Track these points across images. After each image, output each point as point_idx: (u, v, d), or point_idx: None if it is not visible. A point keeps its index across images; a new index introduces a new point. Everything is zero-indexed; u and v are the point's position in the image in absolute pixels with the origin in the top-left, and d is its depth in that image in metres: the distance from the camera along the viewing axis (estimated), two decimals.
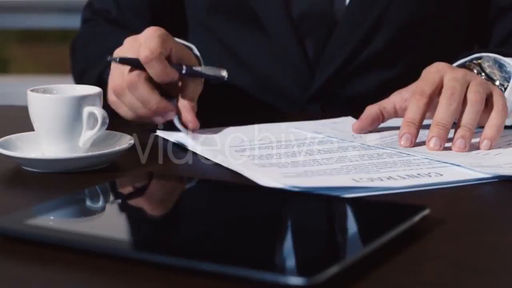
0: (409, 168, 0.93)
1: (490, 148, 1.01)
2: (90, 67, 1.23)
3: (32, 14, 2.73)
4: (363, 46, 1.25)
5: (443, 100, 1.02)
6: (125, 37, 1.11)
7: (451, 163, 0.95)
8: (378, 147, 1.02)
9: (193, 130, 1.08)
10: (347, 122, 1.15)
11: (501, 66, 1.12)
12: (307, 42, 1.26)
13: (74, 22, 1.66)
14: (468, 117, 1.02)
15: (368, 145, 1.03)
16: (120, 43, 1.11)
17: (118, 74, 1.08)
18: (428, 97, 1.03)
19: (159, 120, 1.08)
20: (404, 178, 0.89)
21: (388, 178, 0.89)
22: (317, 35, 1.26)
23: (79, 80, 1.30)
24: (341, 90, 1.26)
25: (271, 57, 1.28)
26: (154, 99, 1.06)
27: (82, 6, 1.41)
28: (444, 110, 1.01)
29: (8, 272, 0.68)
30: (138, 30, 1.11)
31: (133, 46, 1.08)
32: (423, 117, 1.03)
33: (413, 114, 1.03)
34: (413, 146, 1.02)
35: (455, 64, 1.13)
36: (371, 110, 1.10)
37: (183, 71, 1.08)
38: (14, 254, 0.70)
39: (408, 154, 0.99)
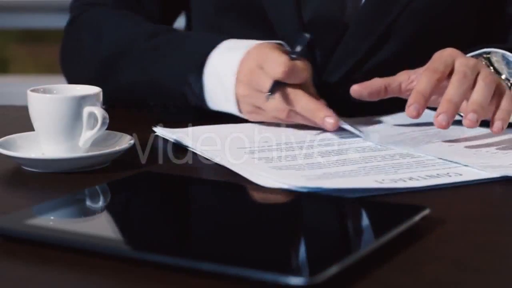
0: (426, 169, 0.93)
1: (502, 129, 1.01)
2: (130, 58, 1.21)
3: (32, 14, 2.73)
4: (371, 54, 1.24)
5: (454, 81, 1.01)
6: (139, 22, 1.16)
7: (461, 164, 0.94)
8: (378, 147, 1.02)
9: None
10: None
11: (508, 63, 1.12)
12: (316, 46, 1.25)
13: None
14: (480, 94, 1.01)
15: (368, 145, 1.03)
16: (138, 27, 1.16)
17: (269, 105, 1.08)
18: (441, 73, 1.02)
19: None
20: (425, 178, 0.89)
21: (410, 179, 0.89)
22: (326, 40, 1.24)
23: (105, 64, 1.23)
24: (347, 96, 1.26)
25: None
26: (318, 105, 1.08)
27: None
28: (455, 88, 1.00)
29: (8, 272, 0.68)
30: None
31: (259, 75, 1.07)
32: (432, 92, 1.01)
33: (424, 86, 1.01)
34: (417, 146, 1.01)
35: None
36: (375, 82, 1.10)
37: (293, 56, 1.08)
38: (14, 254, 0.70)
39: (419, 155, 0.98)
